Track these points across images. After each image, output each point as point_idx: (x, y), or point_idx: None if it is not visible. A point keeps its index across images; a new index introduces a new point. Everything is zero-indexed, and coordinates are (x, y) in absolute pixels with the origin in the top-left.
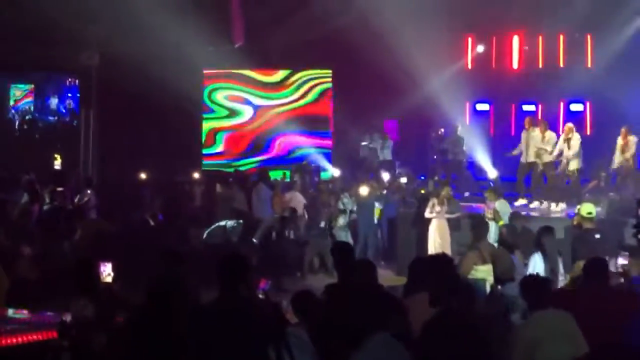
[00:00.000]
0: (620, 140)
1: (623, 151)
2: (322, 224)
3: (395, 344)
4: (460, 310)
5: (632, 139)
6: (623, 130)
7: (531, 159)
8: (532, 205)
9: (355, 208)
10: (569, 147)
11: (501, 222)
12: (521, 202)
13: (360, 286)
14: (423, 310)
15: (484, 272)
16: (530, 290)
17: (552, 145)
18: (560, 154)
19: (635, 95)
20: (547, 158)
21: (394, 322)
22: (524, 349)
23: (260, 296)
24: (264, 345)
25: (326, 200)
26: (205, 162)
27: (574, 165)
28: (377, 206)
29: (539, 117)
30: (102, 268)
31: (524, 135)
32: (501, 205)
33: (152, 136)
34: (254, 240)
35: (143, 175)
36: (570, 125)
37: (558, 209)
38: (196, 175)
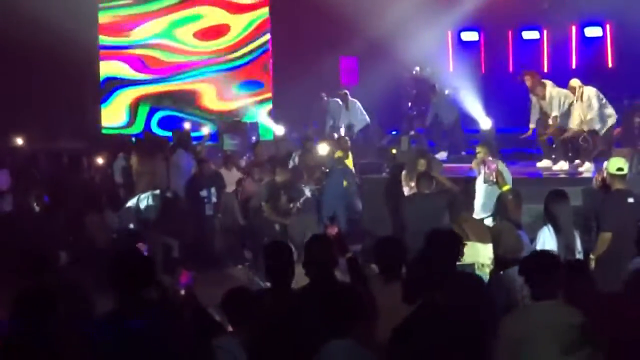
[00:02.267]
0: None
1: None
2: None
3: (360, 354)
4: (447, 307)
5: None
6: None
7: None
8: (555, 167)
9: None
10: (581, 112)
11: (506, 187)
12: (545, 163)
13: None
14: (397, 309)
15: (470, 256)
16: (533, 273)
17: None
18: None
19: None
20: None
21: (356, 326)
22: (507, 349)
23: (182, 292)
24: None
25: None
26: (105, 126)
27: (601, 131)
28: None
29: (544, 45)
30: None
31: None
32: (503, 165)
33: (31, 92)
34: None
35: (20, 142)
36: (574, 82)
37: (585, 168)
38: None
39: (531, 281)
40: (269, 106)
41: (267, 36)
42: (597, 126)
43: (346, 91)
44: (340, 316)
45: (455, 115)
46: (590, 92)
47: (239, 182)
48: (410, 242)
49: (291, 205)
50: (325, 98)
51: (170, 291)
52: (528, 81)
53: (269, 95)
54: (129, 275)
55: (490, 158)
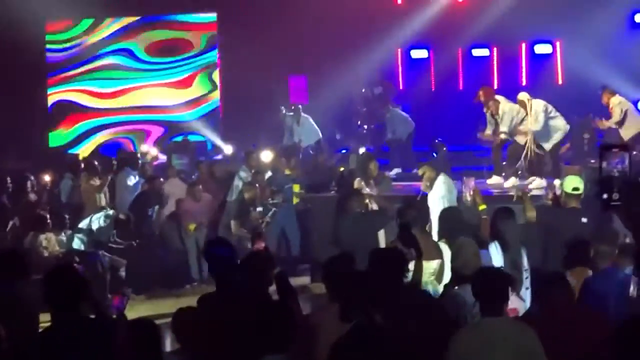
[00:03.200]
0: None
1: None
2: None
3: None
4: (385, 326)
5: (615, 100)
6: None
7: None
8: (507, 184)
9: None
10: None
11: (482, 206)
12: (496, 179)
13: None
14: (334, 327)
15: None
16: (481, 289)
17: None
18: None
19: (617, 29)
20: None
21: (289, 342)
22: None
23: (114, 317)
24: None
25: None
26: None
27: (547, 146)
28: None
29: (494, 63)
30: None
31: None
32: (448, 180)
33: None
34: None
35: None
36: (523, 96)
37: (535, 185)
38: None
39: (480, 297)
40: (217, 125)
41: (216, 53)
42: (543, 141)
43: (299, 106)
44: (273, 332)
45: (409, 132)
46: (538, 105)
47: (177, 203)
48: None
49: (260, 220)
50: (283, 111)
51: (104, 309)
52: (482, 97)
53: (218, 114)
54: (61, 291)
55: (464, 177)
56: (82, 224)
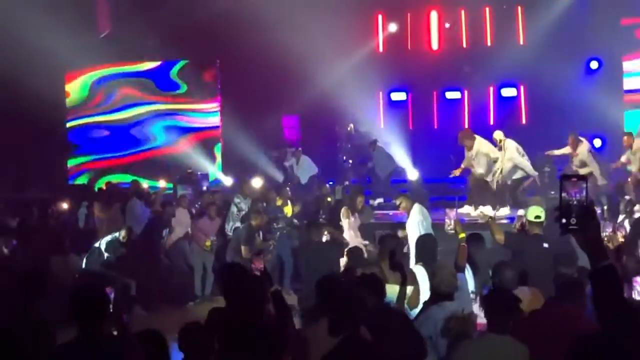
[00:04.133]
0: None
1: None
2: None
3: None
4: (369, 339)
5: (584, 147)
6: (570, 138)
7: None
8: (474, 213)
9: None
10: (500, 163)
11: (462, 235)
12: (467, 208)
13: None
14: (324, 341)
15: (391, 293)
16: (492, 308)
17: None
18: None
19: (575, 74)
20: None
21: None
22: None
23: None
24: None
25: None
26: (71, 177)
27: (517, 175)
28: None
29: (465, 104)
30: None
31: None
32: (421, 209)
33: (6, 148)
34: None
35: None
36: (497, 134)
37: (500, 214)
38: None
39: (489, 315)
40: (219, 159)
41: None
42: (507, 177)
43: (299, 149)
44: (270, 348)
45: (392, 168)
46: (511, 144)
47: (193, 222)
48: (305, 286)
49: (269, 243)
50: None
51: (126, 326)
52: (460, 139)
53: (220, 149)
54: (86, 308)
55: (447, 209)
56: (95, 247)
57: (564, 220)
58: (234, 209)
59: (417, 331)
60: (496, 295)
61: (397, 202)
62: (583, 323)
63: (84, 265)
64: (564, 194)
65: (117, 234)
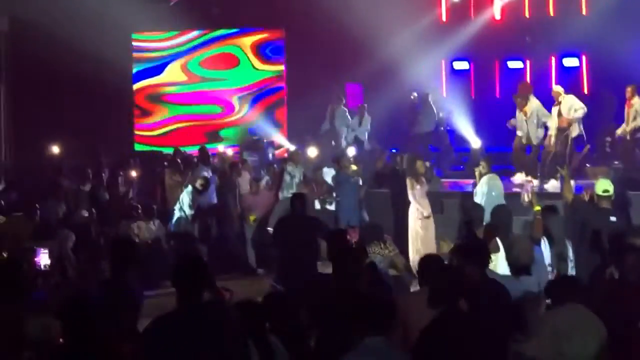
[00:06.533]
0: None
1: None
2: None
3: (391, 351)
4: (469, 313)
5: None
6: (629, 89)
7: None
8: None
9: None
10: (559, 115)
11: (537, 207)
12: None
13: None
14: (423, 312)
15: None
16: (556, 292)
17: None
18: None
19: (638, 45)
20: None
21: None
22: (551, 339)
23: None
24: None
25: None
26: (138, 143)
27: (574, 132)
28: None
29: (527, 74)
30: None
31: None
32: (491, 180)
33: (74, 114)
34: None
35: (56, 151)
36: (557, 89)
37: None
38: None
39: (553, 298)
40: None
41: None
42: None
43: (364, 105)
44: (376, 317)
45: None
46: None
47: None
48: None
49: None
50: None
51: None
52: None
53: (284, 117)
54: (188, 278)
55: (525, 179)
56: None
57: None
58: (287, 177)
59: (512, 303)
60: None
61: (481, 166)
62: None
63: (172, 229)
64: None
65: (194, 185)
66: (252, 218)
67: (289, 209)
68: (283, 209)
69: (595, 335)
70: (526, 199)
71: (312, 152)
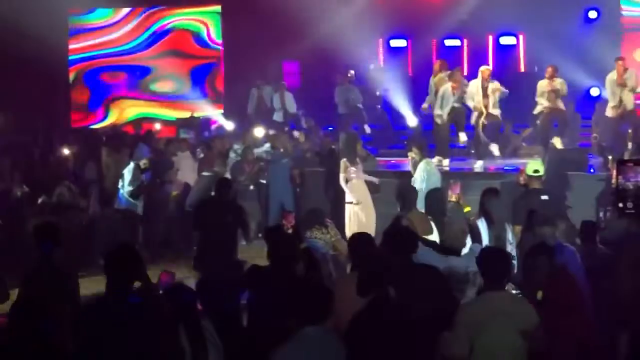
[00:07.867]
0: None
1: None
2: None
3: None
4: (398, 299)
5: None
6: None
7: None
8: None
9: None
10: (485, 95)
11: (467, 209)
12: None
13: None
14: (353, 300)
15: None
16: (487, 267)
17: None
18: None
19: (573, 24)
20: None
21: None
22: (466, 332)
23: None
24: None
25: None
26: (74, 120)
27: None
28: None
29: (464, 52)
30: None
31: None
32: (428, 166)
33: (6, 93)
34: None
35: None
36: (484, 68)
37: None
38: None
39: (484, 275)
40: (220, 104)
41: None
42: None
43: (283, 82)
44: (315, 306)
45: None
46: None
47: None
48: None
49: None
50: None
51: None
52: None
53: (221, 94)
54: (123, 269)
55: (451, 181)
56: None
57: (620, 205)
58: (232, 154)
59: (447, 287)
60: (492, 255)
61: (411, 154)
62: None
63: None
64: (620, 178)
65: (136, 163)
66: (173, 194)
67: (207, 187)
68: (202, 186)
69: (517, 324)
70: (454, 199)
71: (259, 132)
